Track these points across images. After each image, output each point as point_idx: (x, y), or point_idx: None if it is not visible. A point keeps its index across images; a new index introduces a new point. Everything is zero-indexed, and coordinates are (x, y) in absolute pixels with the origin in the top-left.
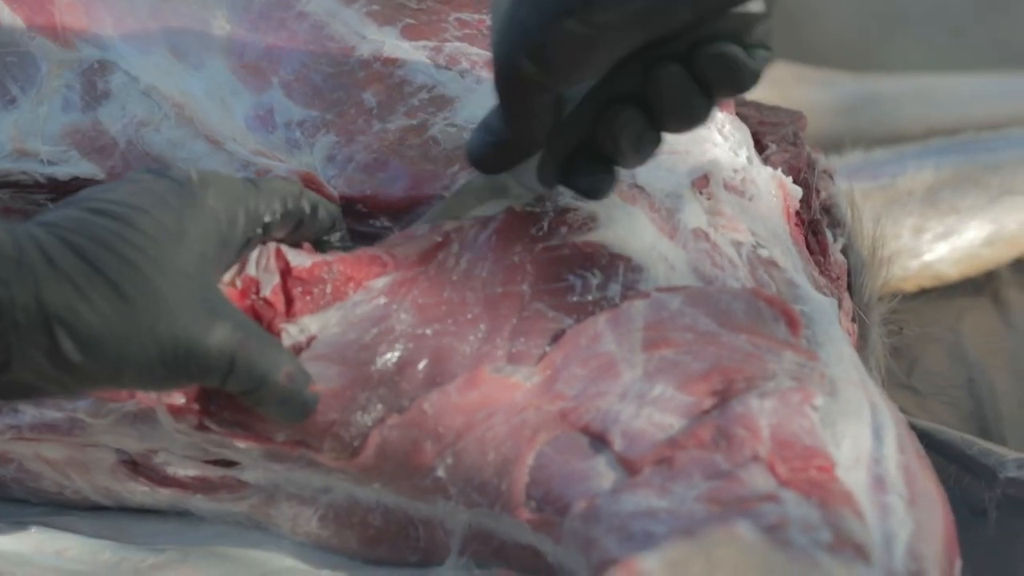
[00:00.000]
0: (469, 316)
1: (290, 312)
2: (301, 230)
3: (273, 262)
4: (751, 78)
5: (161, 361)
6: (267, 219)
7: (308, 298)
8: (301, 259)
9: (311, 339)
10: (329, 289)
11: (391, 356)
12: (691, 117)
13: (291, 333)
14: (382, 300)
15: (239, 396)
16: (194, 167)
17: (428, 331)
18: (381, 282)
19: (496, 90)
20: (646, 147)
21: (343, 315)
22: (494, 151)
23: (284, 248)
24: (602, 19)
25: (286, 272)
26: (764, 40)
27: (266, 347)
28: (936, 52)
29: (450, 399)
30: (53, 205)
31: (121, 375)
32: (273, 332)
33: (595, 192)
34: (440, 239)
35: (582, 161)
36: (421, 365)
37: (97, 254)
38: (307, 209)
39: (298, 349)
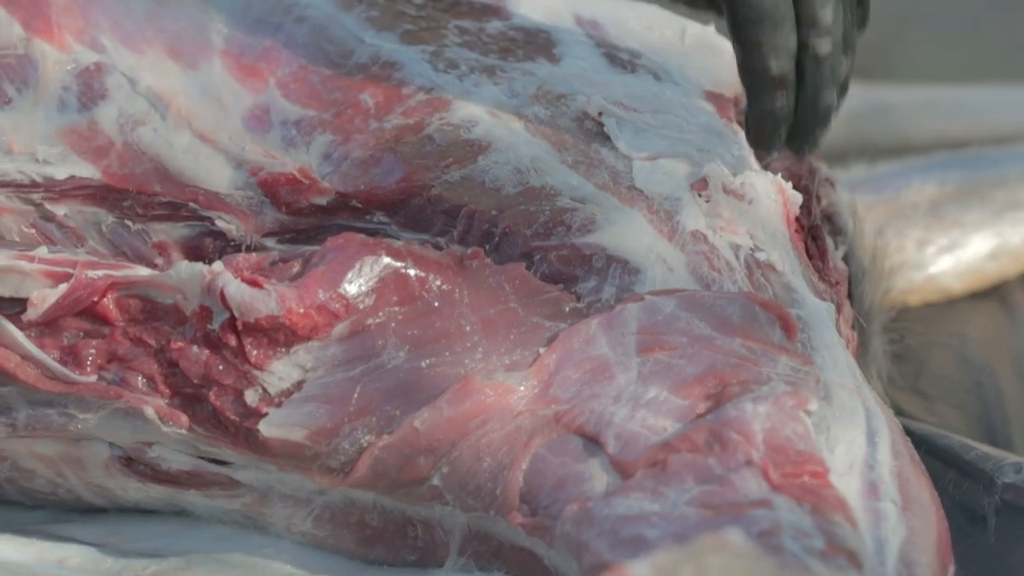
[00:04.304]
0: (468, 344)
1: (246, 355)
2: None
3: (220, 301)
4: None
5: None
6: None
7: (257, 351)
8: (245, 307)
9: (301, 383)
10: (282, 338)
11: (381, 388)
12: None
13: (273, 383)
14: (368, 339)
15: None
16: (190, 164)
17: (423, 363)
18: (338, 329)
19: None
20: None
21: (328, 356)
22: None
23: (227, 290)
24: None
25: (232, 319)
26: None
27: None
28: (951, 51)
29: (441, 413)
30: (49, 204)
31: None
32: (238, 373)
33: None
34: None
35: None
36: (415, 392)
37: None
38: None
39: (287, 394)
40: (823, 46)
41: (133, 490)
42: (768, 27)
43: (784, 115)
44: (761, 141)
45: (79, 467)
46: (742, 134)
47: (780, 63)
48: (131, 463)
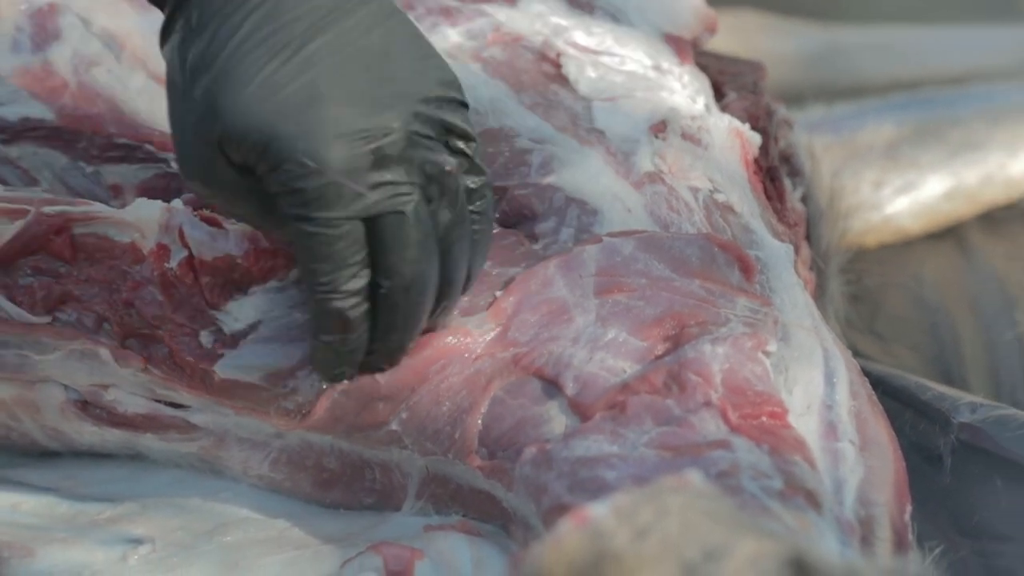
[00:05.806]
0: None
1: (203, 295)
2: None
3: (178, 239)
4: None
5: None
6: None
7: (214, 291)
8: (204, 246)
9: (257, 324)
10: (237, 275)
11: None
12: None
13: (229, 323)
14: None
15: None
16: (144, 105)
17: None
18: (295, 272)
19: None
20: None
21: (286, 298)
22: None
23: (186, 228)
24: None
25: (190, 257)
26: None
27: None
28: None
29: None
30: (2, 146)
31: None
32: (194, 313)
33: None
34: None
35: None
36: None
37: None
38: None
39: (243, 335)
40: (395, 293)
41: (88, 434)
42: (330, 267)
43: (345, 352)
44: (323, 372)
45: (34, 410)
46: (702, 76)
47: (342, 302)
48: (87, 406)
